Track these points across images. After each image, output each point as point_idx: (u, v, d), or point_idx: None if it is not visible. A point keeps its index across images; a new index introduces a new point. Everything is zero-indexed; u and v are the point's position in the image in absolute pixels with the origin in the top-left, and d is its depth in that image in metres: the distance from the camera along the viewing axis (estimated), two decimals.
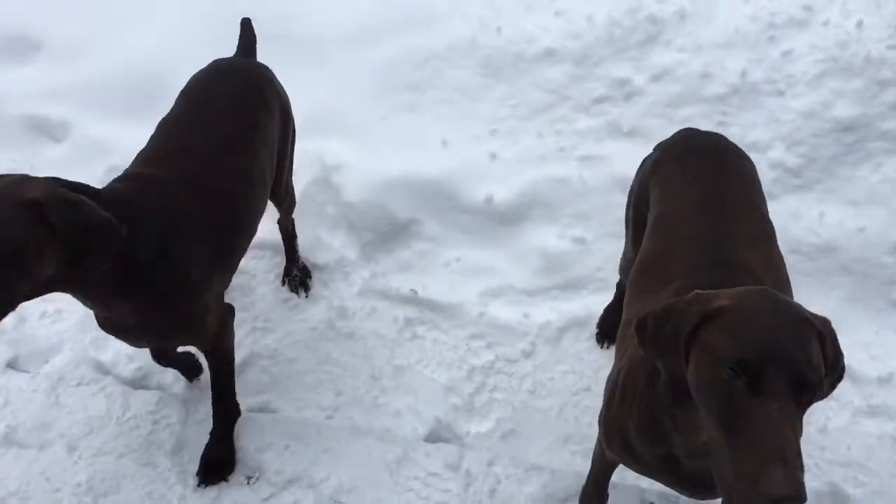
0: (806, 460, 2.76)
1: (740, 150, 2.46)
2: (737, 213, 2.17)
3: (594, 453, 2.35)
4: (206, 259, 2.37)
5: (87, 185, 2.04)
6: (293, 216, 3.34)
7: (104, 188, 2.18)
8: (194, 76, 2.80)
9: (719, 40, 3.73)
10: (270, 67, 2.98)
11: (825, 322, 1.52)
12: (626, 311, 2.18)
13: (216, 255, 2.42)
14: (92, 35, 4.35)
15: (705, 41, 3.74)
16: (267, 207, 2.90)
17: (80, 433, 2.84)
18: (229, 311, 2.65)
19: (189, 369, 3.01)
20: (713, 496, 1.94)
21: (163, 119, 2.63)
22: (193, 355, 3.01)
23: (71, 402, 2.96)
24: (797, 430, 1.36)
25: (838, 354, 1.53)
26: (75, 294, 2.10)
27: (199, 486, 2.69)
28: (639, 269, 2.20)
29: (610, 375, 2.06)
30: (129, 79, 3.98)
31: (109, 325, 2.34)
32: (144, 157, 2.46)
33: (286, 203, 3.20)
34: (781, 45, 3.68)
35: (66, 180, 2.01)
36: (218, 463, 2.72)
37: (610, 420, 1.99)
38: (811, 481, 2.72)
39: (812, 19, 3.70)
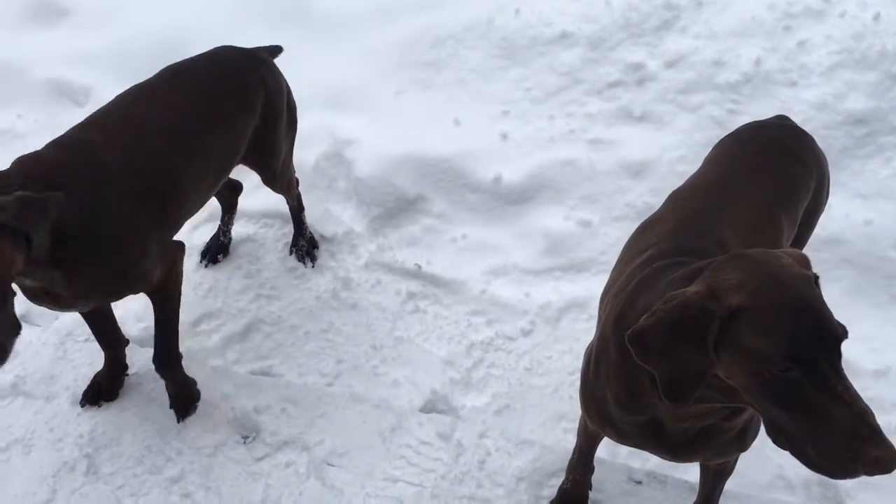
0: None
1: (806, 156, 2.32)
2: (743, 203, 2.12)
3: (579, 426, 2.39)
4: (139, 219, 2.38)
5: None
6: (299, 191, 3.38)
7: (33, 157, 2.24)
8: (192, 56, 2.83)
9: (735, 28, 3.73)
10: (273, 62, 2.95)
11: (805, 260, 1.57)
12: (611, 274, 2.18)
13: (151, 217, 2.43)
14: (117, 3, 4.43)
15: (721, 28, 3.74)
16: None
17: (85, 387, 2.92)
18: (178, 249, 2.63)
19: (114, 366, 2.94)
20: (697, 458, 1.97)
21: (135, 84, 2.66)
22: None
23: (78, 356, 3.05)
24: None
25: (817, 281, 1.59)
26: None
27: (178, 422, 2.81)
28: (634, 232, 2.23)
29: (587, 348, 2.08)
30: (150, 46, 4.05)
31: (37, 293, 2.33)
32: (93, 119, 2.50)
33: (281, 189, 3.22)
34: (797, 34, 3.67)
35: None
36: (184, 395, 2.82)
37: (587, 393, 2.02)
38: (801, 469, 2.72)
39: (829, 10, 3.69)
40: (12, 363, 3.01)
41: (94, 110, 3.95)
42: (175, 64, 2.78)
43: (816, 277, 1.56)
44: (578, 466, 2.47)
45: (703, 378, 1.53)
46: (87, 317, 2.76)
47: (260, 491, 2.65)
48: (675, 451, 1.90)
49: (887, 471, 1.39)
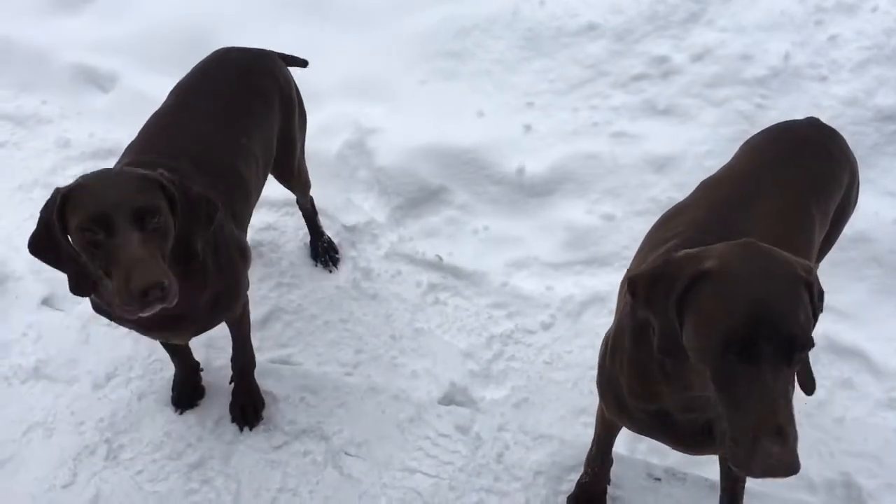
0: (820, 449, 2.77)
1: (839, 153, 2.28)
2: (773, 195, 2.08)
3: (596, 417, 2.37)
4: (235, 232, 2.42)
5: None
6: (311, 195, 3.32)
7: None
8: (194, 67, 2.79)
9: (763, 22, 3.68)
10: (275, 59, 2.90)
11: (808, 268, 1.50)
12: (632, 262, 2.18)
13: (240, 223, 2.48)
14: None
15: (749, 22, 3.69)
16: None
17: (106, 371, 2.93)
18: None
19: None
20: (710, 451, 1.95)
21: (155, 112, 2.63)
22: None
23: (100, 341, 3.05)
24: (790, 393, 1.37)
25: (821, 297, 1.52)
26: None
27: (245, 430, 2.78)
28: (658, 221, 2.21)
29: (605, 336, 2.07)
30: (174, 33, 4.07)
31: (159, 321, 2.17)
32: (140, 147, 2.45)
33: (298, 186, 3.17)
34: (828, 29, 3.62)
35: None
36: (252, 405, 2.80)
37: (604, 379, 2.01)
38: (824, 470, 2.71)
39: (861, 5, 3.63)
40: (34, 346, 3.03)
41: (118, 97, 4.05)
42: (194, 75, 2.74)
43: (821, 292, 1.51)
44: (597, 458, 2.45)
45: (676, 337, 1.52)
46: None
47: (278, 479, 2.66)
48: (685, 442, 1.88)
49: (778, 474, 1.32)
